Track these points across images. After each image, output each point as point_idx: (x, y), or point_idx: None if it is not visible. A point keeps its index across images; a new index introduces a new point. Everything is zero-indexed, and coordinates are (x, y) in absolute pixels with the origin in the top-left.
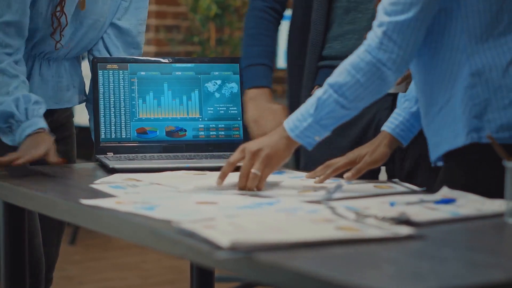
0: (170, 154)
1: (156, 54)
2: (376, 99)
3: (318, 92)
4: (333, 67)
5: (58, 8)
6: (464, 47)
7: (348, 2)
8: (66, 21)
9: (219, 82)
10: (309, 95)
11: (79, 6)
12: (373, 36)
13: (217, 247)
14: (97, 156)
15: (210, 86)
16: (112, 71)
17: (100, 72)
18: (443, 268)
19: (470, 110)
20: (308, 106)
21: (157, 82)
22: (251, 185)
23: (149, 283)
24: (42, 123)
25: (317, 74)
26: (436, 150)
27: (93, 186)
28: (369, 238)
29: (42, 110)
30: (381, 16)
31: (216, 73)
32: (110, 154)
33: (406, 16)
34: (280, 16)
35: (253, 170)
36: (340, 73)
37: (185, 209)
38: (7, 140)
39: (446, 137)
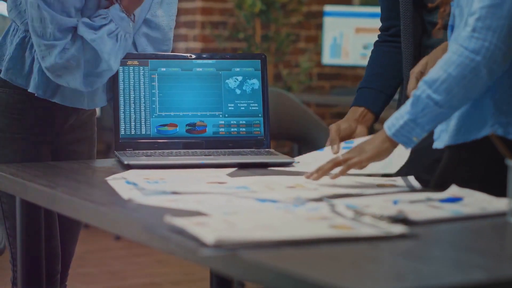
0: (189, 150)
1: (202, 50)
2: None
3: (415, 90)
4: None
5: None
6: None
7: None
8: None
9: (240, 78)
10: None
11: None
12: (466, 27)
13: (203, 244)
14: (116, 152)
15: (231, 83)
16: (132, 67)
17: (120, 68)
18: (425, 268)
19: (502, 104)
20: (406, 104)
21: (177, 78)
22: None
23: (192, 279)
24: None
25: None
26: (457, 135)
27: (107, 181)
28: (360, 237)
29: None
30: (473, 6)
31: (237, 69)
32: (129, 150)
33: None
34: (393, 47)
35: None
36: (434, 69)
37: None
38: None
39: (472, 125)
